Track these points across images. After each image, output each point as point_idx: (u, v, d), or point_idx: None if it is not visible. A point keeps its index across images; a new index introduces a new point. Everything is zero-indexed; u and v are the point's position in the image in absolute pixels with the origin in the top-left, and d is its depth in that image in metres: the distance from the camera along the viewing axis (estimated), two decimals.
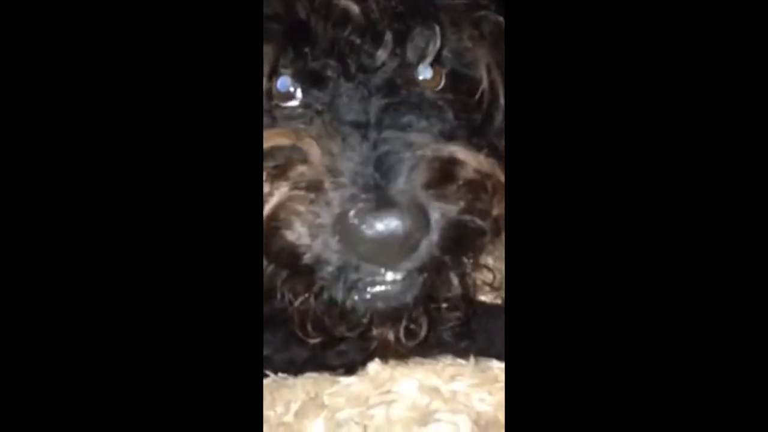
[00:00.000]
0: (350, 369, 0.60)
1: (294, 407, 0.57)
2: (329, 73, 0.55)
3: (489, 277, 0.69)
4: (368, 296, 0.54)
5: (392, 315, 0.56)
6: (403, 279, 0.54)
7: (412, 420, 0.54)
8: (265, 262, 0.55)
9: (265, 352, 0.60)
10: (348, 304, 0.54)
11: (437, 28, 0.57)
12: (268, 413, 0.57)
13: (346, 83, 0.55)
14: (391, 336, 0.60)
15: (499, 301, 0.71)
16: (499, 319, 0.65)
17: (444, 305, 0.62)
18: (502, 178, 0.56)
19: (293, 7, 0.55)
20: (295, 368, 0.62)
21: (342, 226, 0.50)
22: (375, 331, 0.60)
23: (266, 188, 0.53)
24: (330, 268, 0.52)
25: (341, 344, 0.63)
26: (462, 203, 0.53)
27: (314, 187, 0.52)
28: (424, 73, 0.59)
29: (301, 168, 0.53)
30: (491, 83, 0.61)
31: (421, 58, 0.58)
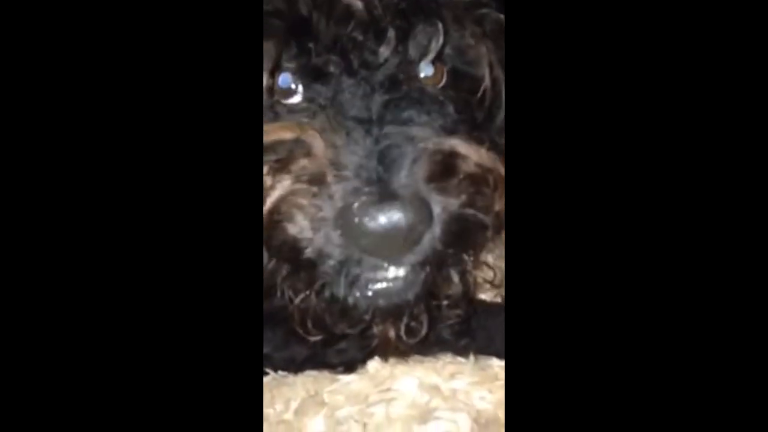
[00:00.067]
0: (350, 367, 0.60)
1: (294, 405, 0.57)
2: (332, 69, 0.55)
3: (489, 274, 0.69)
4: (370, 293, 0.54)
5: (394, 312, 0.56)
6: (405, 276, 0.54)
7: (411, 418, 0.54)
8: (266, 258, 0.55)
9: (265, 350, 0.60)
10: (350, 300, 0.54)
11: (440, 26, 0.57)
12: (267, 411, 0.57)
13: (349, 79, 0.55)
14: (392, 333, 0.60)
15: (498, 300, 0.71)
16: (498, 317, 0.65)
17: (444, 302, 0.62)
18: (504, 172, 0.56)
19: (295, 3, 0.55)
20: (295, 366, 0.62)
21: (344, 220, 0.50)
22: (376, 329, 0.60)
23: (269, 181, 0.53)
24: (332, 262, 0.52)
25: (341, 342, 0.63)
26: (463, 197, 0.54)
27: (317, 180, 0.52)
28: (426, 70, 0.59)
29: (304, 161, 0.53)
30: (494, 81, 0.61)
31: (423, 56, 0.58)
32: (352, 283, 0.53)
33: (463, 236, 0.55)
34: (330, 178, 0.51)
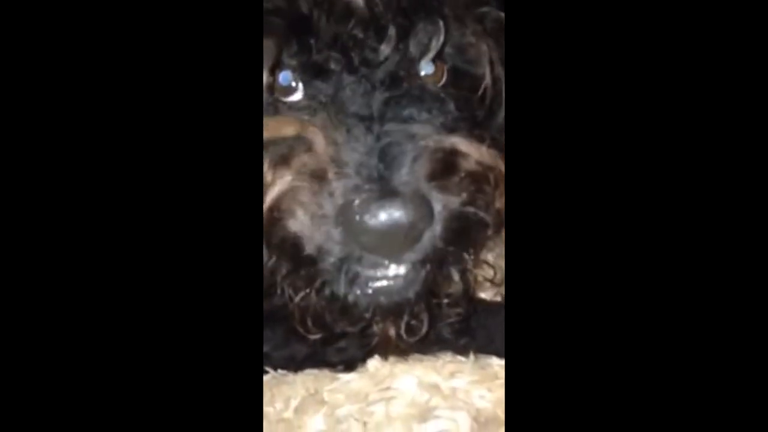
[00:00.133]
0: (350, 365, 0.60)
1: (294, 403, 0.57)
2: (333, 66, 0.55)
3: (490, 273, 0.69)
4: (370, 291, 0.54)
5: (394, 310, 0.56)
6: (406, 274, 0.54)
7: (411, 416, 0.54)
8: (266, 256, 0.55)
9: (265, 348, 0.61)
10: (350, 299, 0.54)
11: (440, 23, 0.57)
12: (267, 409, 0.57)
13: (349, 77, 0.55)
14: (392, 332, 0.60)
15: (498, 299, 0.71)
16: (498, 316, 0.65)
17: (445, 301, 0.62)
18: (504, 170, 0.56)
19: (295, 1, 0.55)
20: (295, 365, 0.62)
21: (345, 217, 0.50)
22: (376, 327, 0.60)
23: (269, 177, 0.53)
24: (332, 259, 0.52)
25: (341, 341, 0.63)
26: (464, 195, 0.53)
27: (317, 177, 0.52)
28: (426, 68, 0.59)
29: (305, 157, 0.52)
30: (494, 79, 0.61)
31: (424, 54, 0.58)
32: (353, 280, 0.53)
33: (463, 234, 0.55)
34: (331, 175, 0.51)
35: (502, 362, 0.59)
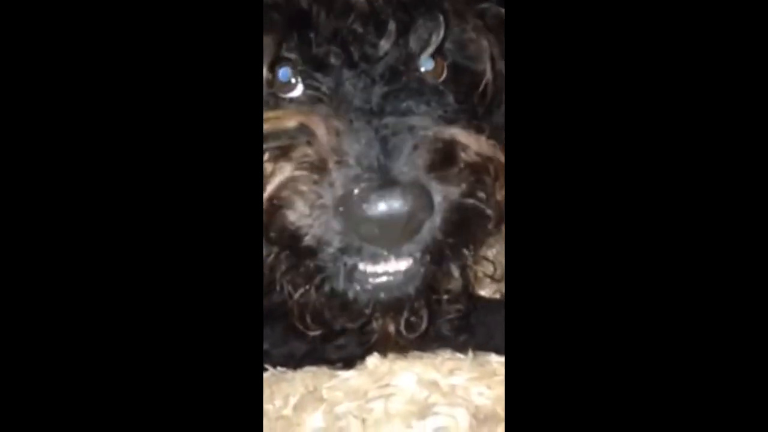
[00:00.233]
0: (349, 363, 0.60)
1: (293, 401, 0.57)
2: (332, 60, 0.55)
3: (490, 269, 0.69)
4: (370, 287, 0.53)
5: (394, 306, 0.56)
6: (406, 269, 0.53)
7: (410, 413, 0.54)
8: (265, 251, 0.55)
9: (264, 346, 0.61)
10: (350, 294, 0.54)
11: (441, 19, 0.57)
12: (266, 407, 0.57)
13: (349, 71, 0.55)
14: (392, 328, 0.60)
15: (498, 296, 0.71)
16: (497, 313, 0.65)
17: (445, 297, 0.62)
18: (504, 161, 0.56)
19: None
20: (294, 362, 0.62)
21: (345, 206, 0.50)
22: (375, 323, 0.60)
23: (269, 167, 0.53)
24: (331, 250, 0.52)
25: (341, 338, 0.63)
26: (464, 186, 0.53)
27: (318, 167, 0.52)
28: (426, 64, 0.59)
29: (306, 149, 0.52)
30: (496, 75, 0.61)
31: (424, 49, 0.58)
32: (352, 275, 0.53)
33: (463, 226, 0.55)
34: (331, 165, 0.51)
35: (502, 359, 0.59)
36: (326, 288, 0.54)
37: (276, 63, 0.56)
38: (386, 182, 0.50)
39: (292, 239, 0.53)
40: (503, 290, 0.71)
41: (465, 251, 0.58)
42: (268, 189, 0.52)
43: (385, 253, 0.52)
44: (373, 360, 0.59)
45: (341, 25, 0.55)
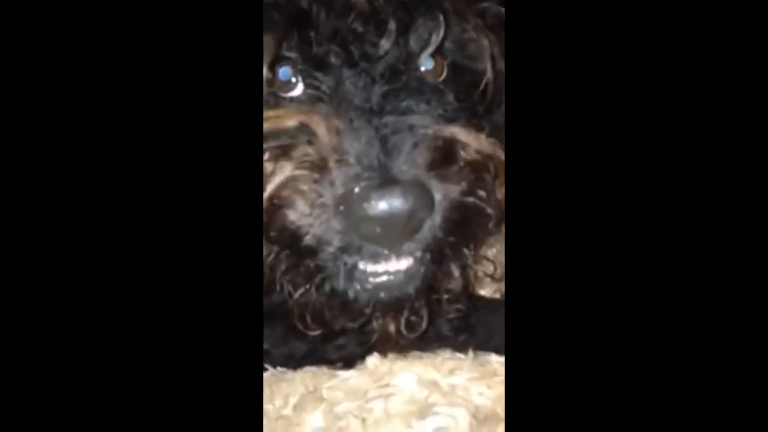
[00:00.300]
0: (349, 363, 0.60)
1: (293, 401, 0.57)
2: (332, 59, 0.55)
3: (490, 268, 0.69)
4: (370, 286, 0.53)
5: (395, 306, 0.56)
6: (406, 269, 0.53)
7: (410, 413, 0.54)
8: (265, 251, 0.55)
9: (264, 345, 0.61)
10: (350, 294, 0.54)
11: (441, 18, 0.57)
12: (267, 406, 0.57)
13: (349, 70, 0.55)
14: (392, 328, 0.60)
15: (498, 296, 0.71)
16: (497, 313, 0.65)
17: (445, 297, 0.62)
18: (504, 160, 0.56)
19: None
20: (294, 362, 0.62)
21: (345, 205, 0.50)
22: (376, 323, 0.60)
23: (270, 167, 0.53)
24: (331, 249, 0.52)
25: (340, 338, 0.63)
26: (464, 184, 0.54)
27: (319, 166, 0.52)
28: (426, 63, 0.59)
29: (307, 148, 0.52)
30: (496, 75, 0.61)
31: (424, 48, 0.58)
32: (352, 275, 0.53)
33: (464, 225, 0.55)
34: (332, 164, 0.51)
35: (502, 359, 0.59)
36: (326, 287, 0.54)
37: (276, 62, 0.56)
38: (387, 181, 0.50)
39: (292, 239, 0.53)
40: (503, 290, 0.71)
41: (465, 250, 0.58)
42: (269, 188, 0.52)
43: (386, 252, 0.52)
44: (373, 360, 0.59)
45: (341, 25, 0.55)
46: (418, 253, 0.53)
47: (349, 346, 0.63)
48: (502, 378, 0.56)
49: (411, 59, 0.58)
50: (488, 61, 0.61)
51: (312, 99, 0.55)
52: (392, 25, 0.55)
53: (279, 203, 0.52)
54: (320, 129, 0.52)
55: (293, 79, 0.57)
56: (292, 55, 0.56)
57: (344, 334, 0.63)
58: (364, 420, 0.54)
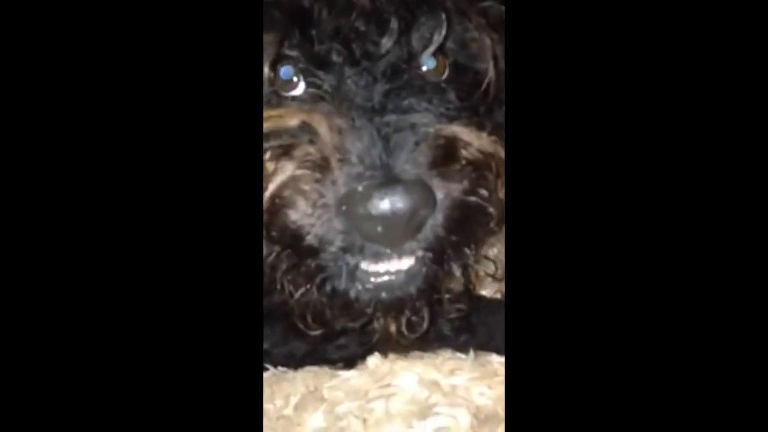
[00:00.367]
0: (350, 363, 0.60)
1: (293, 400, 0.57)
2: (334, 58, 0.55)
3: (491, 268, 0.69)
4: (371, 286, 0.53)
5: (396, 306, 0.56)
6: (408, 269, 0.53)
7: (411, 413, 0.54)
8: (266, 251, 0.55)
9: (265, 345, 0.60)
10: (351, 294, 0.54)
11: (443, 17, 0.57)
12: (267, 406, 0.57)
13: (351, 69, 0.55)
14: (393, 328, 0.60)
15: (499, 296, 0.71)
16: (498, 313, 0.65)
17: (446, 297, 0.62)
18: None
19: None
20: (295, 362, 0.62)
21: (348, 205, 0.50)
22: (377, 323, 0.60)
23: (271, 166, 0.53)
24: (333, 249, 0.52)
25: (341, 338, 0.62)
26: (466, 183, 0.53)
27: (321, 165, 0.52)
28: (428, 63, 0.59)
29: (309, 147, 0.52)
30: (498, 74, 0.61)
31: (425, 47, 0.58)
32: (354, 275, 0.53)
33: (466, 224, 0.55)
34: (334, 164, 0.51)
35: (503, 359, 0.59)
36: (328, 287, 0.54)
37: (278, 61, 0.56)
38: (389, 180, 0.50)
39: (293, 238, 0.53)
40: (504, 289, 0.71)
41: (467, 250, 0.58)
42: (270, 188, 0.52)
43: (388, 251, 0.52)
44: (373, 360, 0.59)
45: (343, 23, 0.54)
46: (420, 253, 0.53)
47: (350, 346, 0.63)
48: (502, 378, 0.56)
49: (413, 58, 0.58)
50: (490, 60, 0.61)
51: (313, 98, 0.55)
52: (394, 24, 0.55)
53: (281, 203, 0.52)
54: (322, 128, 0.52)
55: (294, 78, 0.57)
56: (294, 53, 0.56)
57: (345, 334, 0.62)
58: (364, 420, 0.54)
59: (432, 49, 0.58)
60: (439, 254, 0.55)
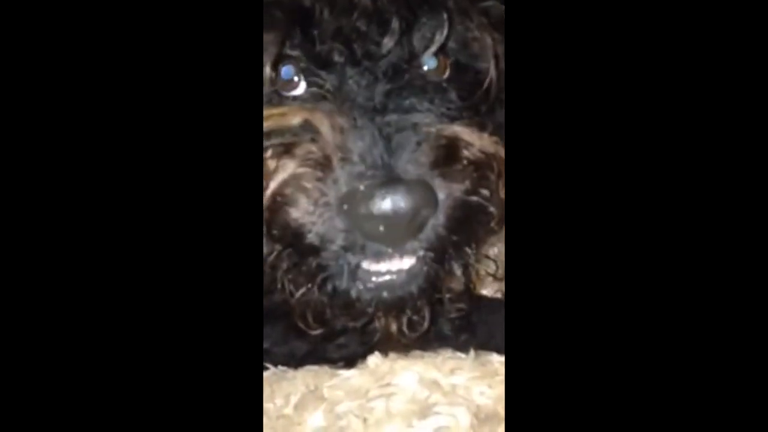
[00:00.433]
0: (350, 362, 0.60)
1: (293, 400, 0.57)
2: (335, 58, 0.55)
3: (492, 267, 0.69)
4: (372, 286, 0.53)
5: (397, 305, 0.56)
6: (409, 268, 0.53)
7: (411, 413, 0.54)
8: (266, 250, 0.55)
9: (265, 345, 0.60)
10: (353, 293, 0.54)
11: (444, 17, 0.57)
12: (267, 405, 0.57)
13: (352, 69, 0.55)
14: (394, 327, 0.60)
15: (499, 295, 0.71)
16: (499, 313, 0.65)
17: (447, 296, 0.62)
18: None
19: None
20: (295, 361, 0.62)
21: (349, 204, 0.50)
22: (378, 323, 0.60)
23: (273, 164, 0.53)
24: (334, 248, 0.52)
25: (342, 337, 0.62)
26: (468, 182, 0.54)
27: (322, 164, 0.52)
28: (429, 63, 0.59)
29: (310, 146, 0.52)
30: (500, 74, 0.61)
31: (427, 47, 0.58)
32: (355, 274, 0.53)
33: (467, 224, 0.55)
34: (335, 162, 0.51)
35: (503, 359, 0.59)
36: (329, 287, 0.54)
37: (279, 61, 0.56)
38: (390, 179, 0.50)
39: (294, 237, 0.53)
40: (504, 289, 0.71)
41: (467, 249, 0.58)
42: (272, 185, 0.52)
43: (389, 250, 0.52)
44: (374, 359, 0.59)
45: (344, 23, 0.54)
46: (421, 252, 0.53)
47: (350, 346, 0.63)
48: (503, 378, 0.56)
49: (414, 58, 0.58)
50: (491, 60, 0.61)
51: (315, 97, 0.55)
52: (395, 24, 0.55)
53: (282, 201, 0.52)
54: (324, 127, 0.52)
55: (296, 78, 0.57)
56: (295, 53, 0.56)
57: (345, 334, 0.63)
58: (365, 419, 0.54)
59: (433, 49, 0.58)
60: (440, 254, 0.55)
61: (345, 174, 0.51)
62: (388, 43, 0.55)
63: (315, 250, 0.53)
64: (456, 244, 0.55)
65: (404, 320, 0.60)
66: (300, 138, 0.53)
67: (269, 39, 0.54)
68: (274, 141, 0.53)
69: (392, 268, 0.53)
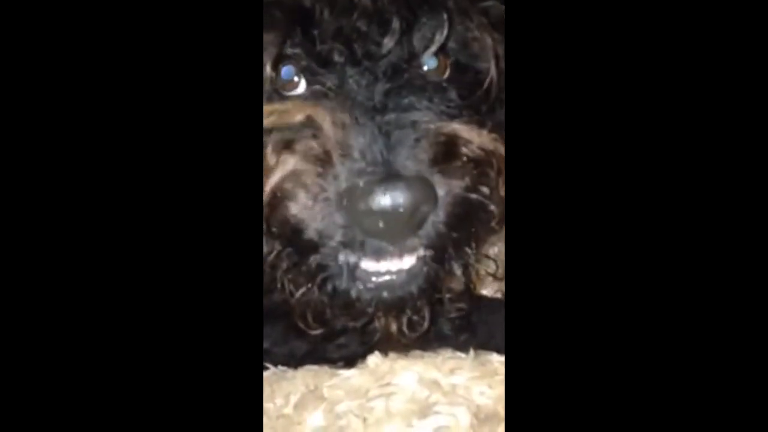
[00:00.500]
0: (350, 362, 0.60)
1: (293, 399, 0.57)
2: (336, 58, 0.55)
3: (492, 267, 0.69)
4: (372, 286, 0.53)
5: (397, 305, 0.56)
6: (409, 268, 0.53)
7: (411, 413, 0.54)
8: (266, 249, 0.55)
9: (265, 344, 0.61)
10: (353, 293, 0.54)
11: (445, 17, 0.57)
12: (267, 405, 0.57)
13: (352, 69, 0.55)
14: (394, 327, 0.60)
15: (499, 295, 0.71)
16: (499, 312, 0.65)
17: (447, 296, 0.62)
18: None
19: None
20: (295, 361, 0.62)
21: (349, 199, 0.50)
22: (378, 323, 0.60)
23: (273, 159, 0.53)
24: (333, 244, 0.52)
25: (342, 337, 0.62)
26: (467, 179, 0.54)
27: (322, 160, 0.52)
28: (429, 63, 0.59)
29: (311, 142, 0.52)
30: (500, 74, 0.61)
31: (427, 47, 0.58)
32: (354, 271, 0.53)
33: (467, 220, 0.55)
34: (336, 158, 0.51)
35: (503, 359, 0.59)
36: (329, 287, 0.54)
37: (279, 60, 0.56)
38: (390, 176, 0.50)
39: (293, 233, 0.53)
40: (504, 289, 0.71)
41: (467, 249, 0.58)
42: (272, 180, 0.52)
43: (390, 249, 0.52)
44: (374, 359, 0.59)
45: (345, 23, 0.54)
46: (421, 252, 0.53)
47: (350, 346, 0.63)
48: (502, 377, 0.56)
49: (414, 58, 0.58)
50: (492, 59, 0.61)
51: (315, 97, 0.55)
52: (395, 24, 0.55)
53: (282, 195, 0.52)
54: (325, 123, 0.52)
55: (296, 78, 0.57)
56: (296, 52, 0.56)
57: (345, 333, 0.63)
58: (364, 419, 0.54)
59: (433, 48, 0.58)
60: (441, 252, 0.55)
61: (345, 170, 0.51)
62: (388, 43, 0.55)
63: (314, 246, 0.53)
64: (456, 242, 0.55)
65: (404, 320, 0.60)
66: (301, 133, 0.53)
67: (269, 39, 0.54)
68: (276, 137, 0.53)
69: (392, 268, 0.53)
